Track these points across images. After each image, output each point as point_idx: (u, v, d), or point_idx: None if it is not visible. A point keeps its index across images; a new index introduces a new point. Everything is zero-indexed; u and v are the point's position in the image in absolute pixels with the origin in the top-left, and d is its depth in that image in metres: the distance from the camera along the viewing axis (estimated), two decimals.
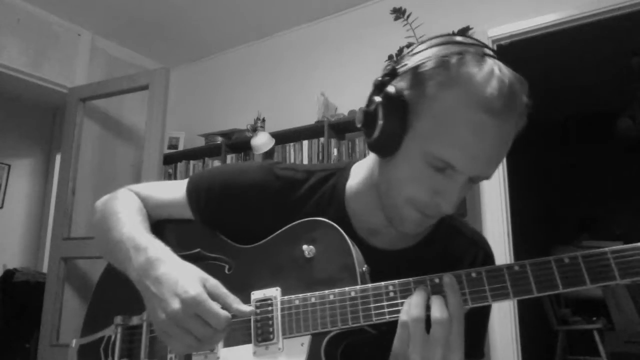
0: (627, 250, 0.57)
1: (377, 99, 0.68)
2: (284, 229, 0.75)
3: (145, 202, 0.86)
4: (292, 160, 3.11)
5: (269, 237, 0.76)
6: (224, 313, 0.64)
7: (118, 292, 0.79)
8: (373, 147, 0.70)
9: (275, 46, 3.60)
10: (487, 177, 0.67)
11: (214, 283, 0.68)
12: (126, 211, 0.81)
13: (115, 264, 0.79)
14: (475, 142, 0.62)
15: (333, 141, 2.92)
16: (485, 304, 0.61)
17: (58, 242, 3.16)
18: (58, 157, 3.92)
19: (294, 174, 0.82)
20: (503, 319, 2.49)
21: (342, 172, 0.82)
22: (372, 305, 0.65)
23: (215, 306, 0.64)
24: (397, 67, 0.69)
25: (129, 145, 3.78)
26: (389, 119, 0.66)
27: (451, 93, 0.63)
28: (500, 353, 2.47)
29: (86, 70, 3.53)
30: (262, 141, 3.09)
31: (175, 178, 3.57)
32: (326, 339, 0.67)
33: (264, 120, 3.23)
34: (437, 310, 0.60)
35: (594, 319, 4.11)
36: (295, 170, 0.83)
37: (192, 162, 3.56)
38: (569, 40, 3.44)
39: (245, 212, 0.80)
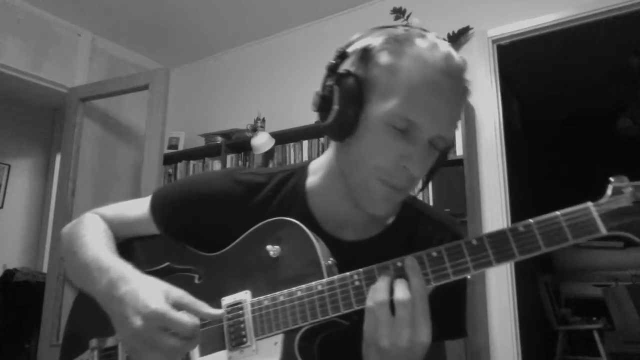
0: (577, 212, 0.60)
1: (330, 81, 0.71)
2: (248, 232, 0.76)
3: (111, 223, 0.86)
4: (293, 161, 3.11)
5: (234, 242, 0.77)
6: (190, 320, 0.64)
7: (92, 315, 0.78)
8: (331, 130, 0.71)
9: (275, 46, 3.60)
10: (447, 140, 0.70)
11: (178, 294, 0.67)
12: (90, 234, 0.81)
13: (83, 287, 0.79)
14: (434, 100, 0.66)
15: None
16: (447, 281, 0.63)
17: (58, 242, 3.16)
18: (58, 157, 3.92)
19: (255, 177, 0.83)
20: (503, 319, 2.49)
21: (301, 171, 0.84)
22: (339, 296, 0.66)
23: (179, 315, 0.64)
24: (346, 49, 0.72)
25: (129, 145, 3.78)
26: (345, 99, 0.69)
27: (405, 58, 0.67)
28: (500, 353, 2.47)
29: (86, 70, 3.53)
30: (262, 141, 3.09)
31: (175, 178, 3.57)
32: (298, 335, 0.68)
33: (264, 120, 3.23)
34: (399, 292, 0.61)
35: (594, 319, 4.11)
36: (256, 174, 0.84)
37: (192, 162, 3.56)
38: (569, 40, 3.44)
39: (209, 221, 0.81)
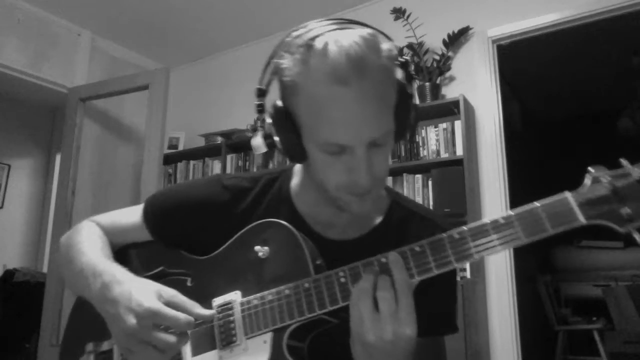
0: (555, 202, 0.61)
1: (265, 119, 0.72)
2: (237, 235, 0.78)
3: (106, 230, 0.88)
4: None
5: (224, 245, 0.79)
6: (183, 315, 0.66)
7: (89, 320, 0.80)
8: (289, 159, 0.74)
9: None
10: (386, 134, 0.67)
11: (170, 293, 0.69)
12: (86, 241, 0.83)
13: (79, 293, 0.81)
14: (342, 114, 0.63)
15: None
16: (431, 274, 0.64)
17: (58, 242, 3.16)
18: (58, 157, 3.93)
19: (241, 182, 0.85)
20: (503, 319, 2.49)
21: (286, 173, 0.86)
22: (325, 293, 0.67)
23: (172, 311, 0.66)
24: (261, 86, 0.74)
25: (129, 145, 3.78)
26: (281, 132, 0.70)
27: (305, 81, 0.65)
28: (500, 353, 2.47)
29: (86, 70, 3.53)
30: (262, 141, 3.08)
31: (175, 178, 3.57)
32: (287, 333, 0.69)
33: (264, 120, 3.23)
34: (381, 288, 0.62)
35: (594, 319, 4.11)
36: (242, 179, 0.86)
37: (192, 162, 3.56)
38: (569, 40, 3.44)
39: (199, 226, 0.83)
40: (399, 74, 0.70)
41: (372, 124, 0.65)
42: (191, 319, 0.67)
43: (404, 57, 0.72)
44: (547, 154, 5.41)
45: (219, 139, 3.43)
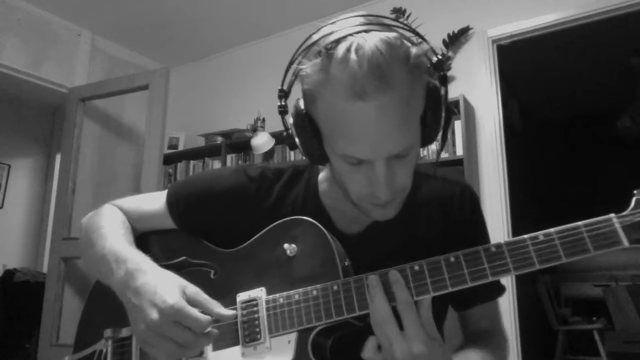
0: (599, 222, 0.60)
1: (289, 120, 0.70)
2: (265, 230, 0.76)
3: (128, 215, 0.87)
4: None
5: (251, 239, 0.78)
6: (204, 316, 0.65)
7: (107, 305, 0.79)
8: (311, 162, 0.72)
9: (276, 46, 3.60)
10: (408, 147, 0.64)
11: (193, 290, 0.69)
12: (108, 226, 0.82)
13: (100, 278, 0.80)
14: (359, 129, 0.61)
15: None
16: (427, 296, 0.63)
17: (58, 242, 3.16)
18: (58, 157, 3.92)
19: (267, 173, 0.84)
20: (503, 319, 2.48)
21: (311, 168, 0.84)
22: (354, 298, 0.66)
23: (195, 311, 0.65)
24: (282, 87, 0.71)
25: (129, 145, 3.78)
26: (302, 136, 0.68)
27: (323, 91, 0.62)
28: None
29: (86, 70, 3.53)
30: (262, 141, 3.09)
31: (175, 178, 3.57)
32: (312, 334, 0.68)
33: (264, 120, 3.23)
34: (382, 310, 0.62)
35: (594, 319, 4.11)
36: (268, 169, 0.84)
37: (192, 162, 3.56)
38: (569, 40, 3.45)
39: (224, 217, 0.82)
40: (429, 77, 0.66)
41: (392, 140, 0.62)
42: (210, 320, 0.66)
43: (437, 55, 0.68)
44: (547, 154, 5.41)
45: (219, 139, 3.43)
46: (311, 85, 0.64)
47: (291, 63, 0.69)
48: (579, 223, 0.60)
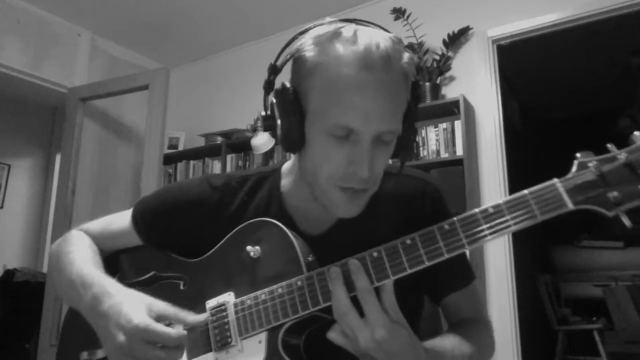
0: (544, 189, 0.62)
1: (270, 99, 0.71)
2: (229, 235, 0.77)
3: (96, 238, 0.88)
4: None
5: (216, 246, 0.78)
6: (172, 330, 0.65)
7: (83, 328, 0.79)
8: (284, 146, 0.72)
9: (275, 46, 3.58)
10: (393, 132, 0.68)
11: (161, 306, 0.69)
12: (76, 251, 0.83)
13: (70, 304, 0.81)
14: (363, 99, 0.64)
15: None
16: (386, 280, 0.64)
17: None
18: (58, 157, 3.92)
19: (230, 181, 0.85)
20: (503, 319, 2.49)
21: (275, 173, 0.85)
22: (318, 291, 0.67)
23: (161, 327, 0.65)
24: (276, 63, 0.74)
25: (129, 145, 3.78)
26: (285, 114, 0.69)
27: (328, 62, 0.65)
28: (500, 353, 2.47)
29: (86, 70, 3.53)
30: (262, 141, 3.08)
31: (175, 178, 3.57)
32: (282, 331, 0.69)
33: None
34: (342, 300, 0.64)
35: (594, 319, 4.11)
36: (231, 178, 0.85)
37: (192, 162, 3.56)
38: (569, 40, 3.44)
39: (189, 228, 0.83)
40: (411, 88, 0.71)
41: (385, 116, 0.65)
42: (184, 333, 0.66)
43: (416, 77, 0.73)
44: (547, 154, 5.41)
45: (219, 139, 3.43)
46: (313, 57, 0.66)
47: (288, 43, 0.72)
48: (525, 191, 0.62)
